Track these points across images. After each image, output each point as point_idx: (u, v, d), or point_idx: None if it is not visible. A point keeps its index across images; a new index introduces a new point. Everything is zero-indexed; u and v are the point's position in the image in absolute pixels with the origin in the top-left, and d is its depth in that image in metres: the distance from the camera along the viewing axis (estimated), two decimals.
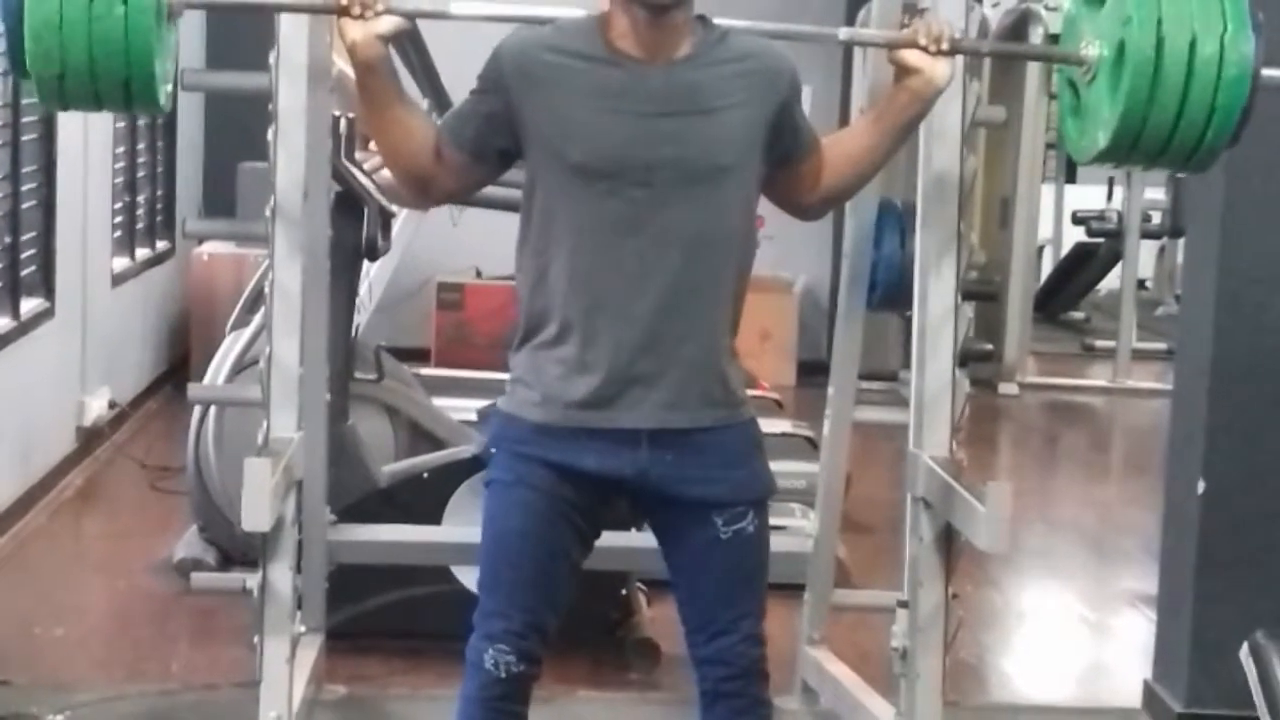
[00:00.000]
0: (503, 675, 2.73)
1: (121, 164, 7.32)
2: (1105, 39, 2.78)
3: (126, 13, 2.55)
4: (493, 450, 2.84)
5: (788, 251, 8.15)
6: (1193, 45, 2.67)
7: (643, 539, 3.35)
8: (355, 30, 2.71)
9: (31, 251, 5.88)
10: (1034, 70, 8.98)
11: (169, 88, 2.71)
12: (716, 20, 2.80)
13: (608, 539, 2.95)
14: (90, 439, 6.45)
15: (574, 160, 2.72)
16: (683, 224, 2.72)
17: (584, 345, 2.73)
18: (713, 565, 2.82)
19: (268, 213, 3.29)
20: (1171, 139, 2.73)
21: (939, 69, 2.81)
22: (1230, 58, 2.67)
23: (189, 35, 8.15)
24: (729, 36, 2.80)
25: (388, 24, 2.72)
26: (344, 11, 2.72)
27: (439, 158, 2.79)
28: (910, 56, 2.81)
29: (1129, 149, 2.77)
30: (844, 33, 3.23)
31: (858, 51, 7.58)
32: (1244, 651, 3.29)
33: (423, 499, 4.51)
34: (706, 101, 2.74)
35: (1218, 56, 2.67)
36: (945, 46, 2.80)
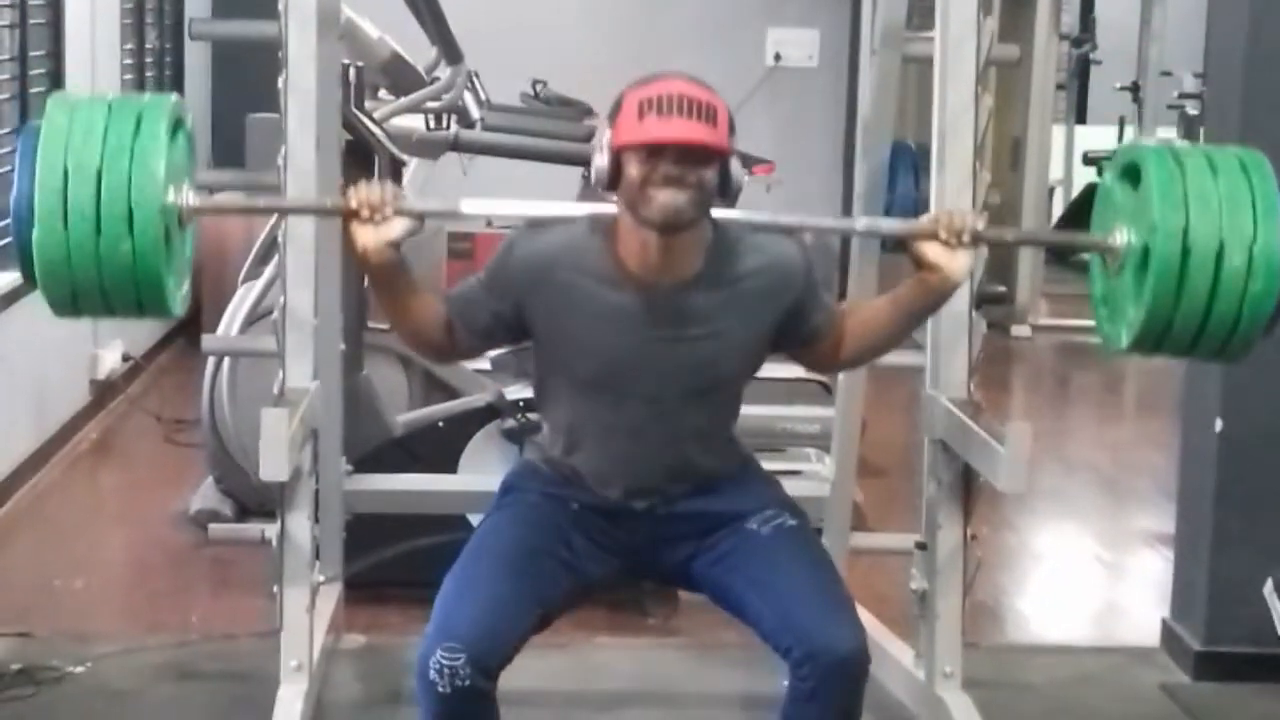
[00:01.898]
0: (448, 689, 2.56)
1: None
2: (1135, 230, 2.70)
3: (134, 241, 2.50)
4: (499, 499, 2.90)
5: (798, 196, 8.10)
6: (1219, 257, 2.60)
7: None
8: (366, 237, 2.65)
9: None
10: (1044, 10, 8.91)
11: (181, 294, 2.66)
12: (726, 214, 2.75)
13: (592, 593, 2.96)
14: (104, 392, 6.46)
15: (580, 375, 2.76)
16: (685, 423, 2.80)
17: (590, 483, 2.84)
18: (772, 562, 2.75)
19: (279, 163, 3.28)
20: (1196, 344, 2.68)
21: (957, 265, 2.71)
22: (1258, 270, 2.60)
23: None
24: (740, 248, 2.75)
25: (399, 229, 2.66)
26: (353, 216, 2.65)
27: (450, 333, 2.81)
28: (929, 252, 2.70)
29: (1152, 349, 2.72)
30: (862, 223, 3.22)
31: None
32: (1268, 588, 3.30)
33: (438, 448, 4.52)
34: (714, 324, 2.74)
35: (1245, 269, 2.60)
36: (966, 240, 2.70)
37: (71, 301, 2.58)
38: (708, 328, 2.74)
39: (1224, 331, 2.65)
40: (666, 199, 2.61)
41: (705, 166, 2.62)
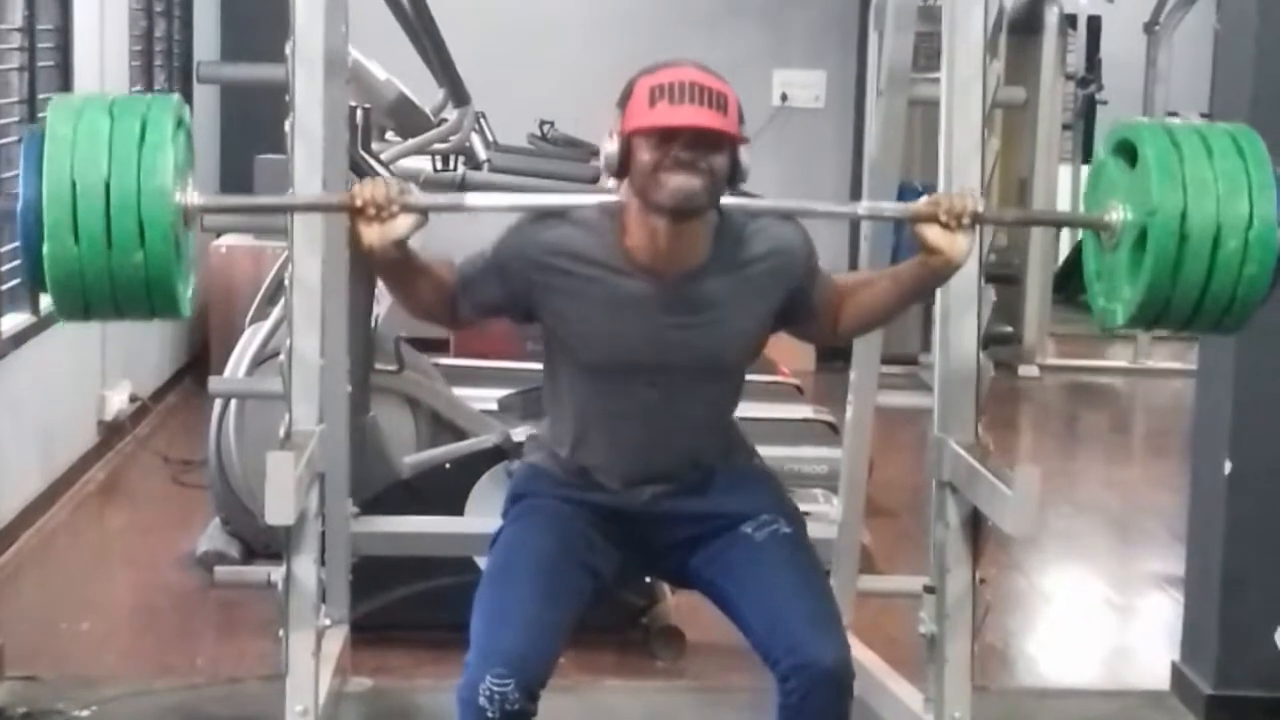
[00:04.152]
0: (498, 714, 2.58)
1: None
2: (1130, 208, 2.72)
3: (145, 248, 2.51)
4: (509, 508, 2.90)
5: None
6: (1216, 241, 2.63)
7: None
8: (372, 234, 2.65)
9: None
10: (1050, 51, 8.94)
11: (190, 294, 2.67)
12: (732, 202, 2.77)
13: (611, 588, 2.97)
14: (112, 433, 6.45)
15: (585, 361, 2.78)
16: (687, 407, 2.81)
17: (593, 475, 2.85)
18: (764, 571, 2.76)
19: None
20: (1191, 322, 2.72)
21: (959, 247, 2.72)
22: (1254, 253, 2.63)
23: (204, 28, 8.15)
24: (745, 233, 2.77)
25: (404, 226, 2.66)
26: (359, 213, 2.65)
27: (456, 311, 2.83)
28: (930, 234, 2.71)
29: (1149, 326, 2.77)
30: (863, 208, 3.24)
31: (873, 35, 7.56)
32: (1279, 633, 3.28)
33: (445, 490, 4.51)
34: (719, 311, 2.76)
35: (1241, 252, 2.63)
36: (966, 222, 2.71)
37: (84, 310, 2.59)
38: (715, 314, 2.75)
39: (1219, 311, 2.69)
40: (679, 183, 2.63)
41: (716, 152, 2.65)
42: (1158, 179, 2.64)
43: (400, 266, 2.75)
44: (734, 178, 2.71)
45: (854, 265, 6.18)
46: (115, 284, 2.53)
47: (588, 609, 2.81)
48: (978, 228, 2.79)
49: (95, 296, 2.55)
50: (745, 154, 2.70)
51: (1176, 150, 2.66)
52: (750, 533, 2.80)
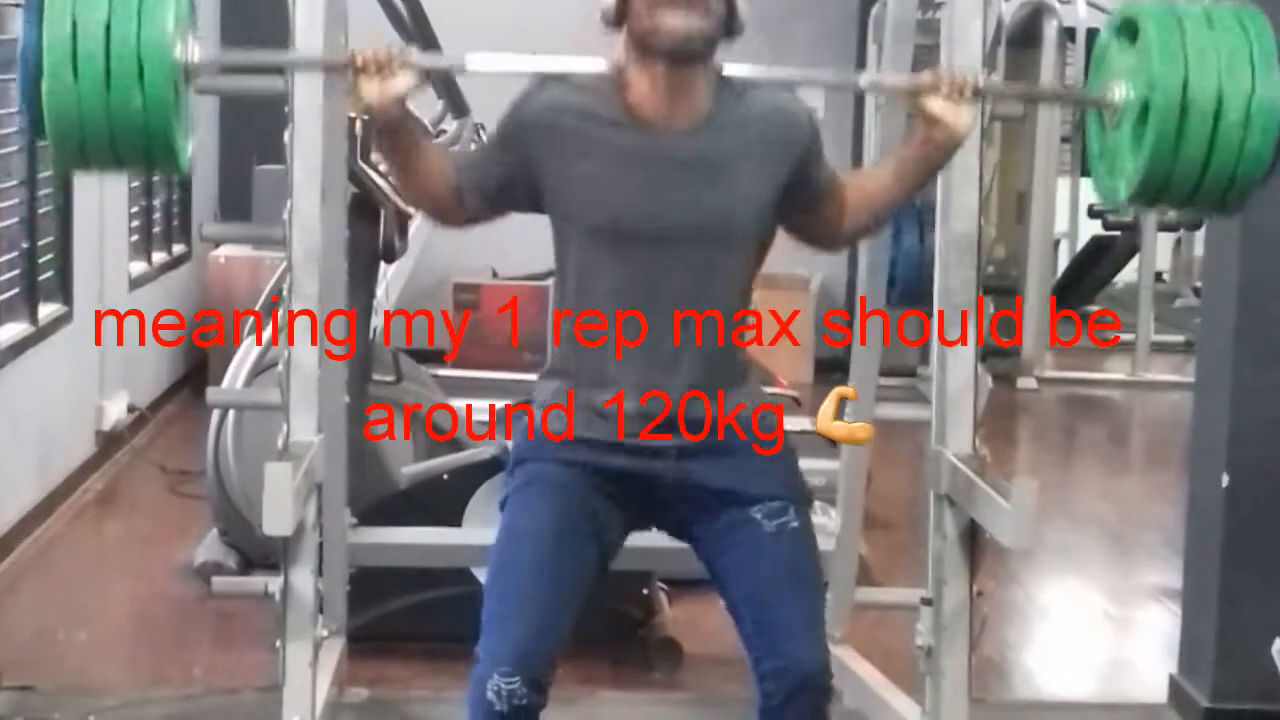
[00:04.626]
0: (506, 709, 2.60)
1: None
2: (1133, 86, 2.73)
3: (144, 91, 2.53)
4: (513, 465, 2.84)
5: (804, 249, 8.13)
6: (1218, 112, 2.63)
7: (665, 538, 3.34)
8: (372, 90, 2.68)
9: (49, 257, 5.89)
10: (1049, 65, 8.95)
11: (189, 151, 2.69)
12: (734, 70, 2.76)
13: (629, 538, 2.93)
14: (109, 443, 6.46)
15: (590, 223, 2.74)
16: (694, 278, 2.74)
17: (603, 388, 2.76)
18: (763, 565, 2.75)
19: (285, 216, 3.29)
20: (1194, 196, 2.71)
21: (961, 119, 2.74)
22: (1256, 124, 2.64)
23: (202, 41, 8.15)
24: (748, 94, 2.77)
25: (405, 83, 2.69)
26: (360, 71, 2.68)
27: (460, 199, 2.80)
28: (933, 105, 2.74)
29: (1151, 202, 2.76)
30: (865, 79, 3.23)
31: (871, 47, 7.56)
32: (1276, 647, 3.28)
33: (443, 501, 4.51)
34: (722, 166, 2.73)
35: (1243, 123, 2.63)
36: (968, 94, 2.74)
37: (80, 154, 2.60)
38: (720, 171, 2.73)
39: (1221, 186, 2.67)
40: (676, 21, 2.63)
41: None
42: (1159, 52, 2.65)
43: (400, 132, 2.75)
44: (731, 28, 2.71)
45: (853, 261, 6.20)
46: (113, 127, 2.54)
47: (598, 577, 2.79)
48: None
49: (93, 139, 2.55)
50: (743, 2, 2.70)
51: (1178, 25, 2.67)
52: (760, 520, 2.76)
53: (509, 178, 2.78)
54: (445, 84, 5.46)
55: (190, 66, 2.66)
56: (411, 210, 4.99)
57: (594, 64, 2.81)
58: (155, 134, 2.57)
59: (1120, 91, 2.75)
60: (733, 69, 2.77)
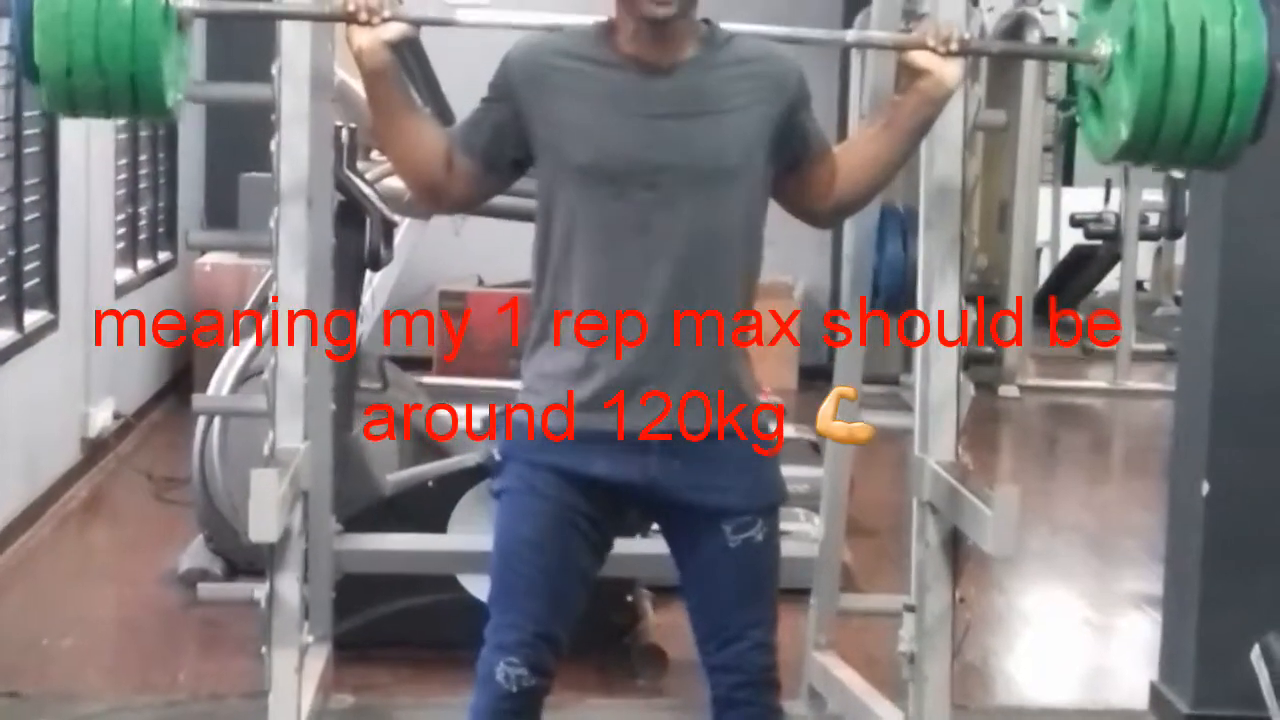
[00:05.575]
0: (514, 689, 2.71)
1: (124, 176, 7.33)
2: (1116, 35, 2.79)
3: (134, 7, 2.61)
4: (502, 460, 2.84)
5: (787, 255, 8.09)
6: (1203, 29, 2.68)
7: (649, 545, 3.36)
8: (363, 37, 2.75)
9: (35, 264, 5.89)
10: (1031, 74, 8.98)
11: (177, 94, 2.75)
12: (721, 25, 2.81)
13: (614, 545, 2.95)
14: (95, 450, 6.46)
15: (580, 162, 2.74)
16: (689, 225, 2.73)
17: (590, 348, 2.74)
18: (722, 574, 2.82)
19: (271, 223, 3.30)
20: (1193, 128, 2.73)
21: (949, 70, 2.81)
22: (1242, 40, 2.68)
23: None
24: (734, 40, 2.81)
25: (394, 30, 2.76)
26: (351, 18, 2.75)
27: (450, 166, 2.81)
28: (920, 58, 2.80)
29: (1151, 139, 2.76)
30: (852, 35, 3.25)
31: (855, 57, 7.59)
32: (1255, 654, 3.29)
33: (428, 508, 4.52)
34: (712, 104, 2.75)
35: (1229, 39, 2.68)
36: (955, 47, 2.80)
37: (69, 97, 2.68)
38: (710, 108, 2.75)
39: (1219, 116, 2.69)
40: (653, 7, 2.68)
41: None
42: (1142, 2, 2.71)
43: (389, 84, 2.78)
44: None
45: (836, 269, 6.20)
46: (103, 65, 2.62)
47: (597, 568, 2.85)
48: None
49: (81, 77, 2.63)
50: None
51: None
52: (727, 534, 2.80)
53: (499, 125, 2.79)
54: (431, 90, 5.46)
55: (182, 11, 2.73)
56: (396, 218, 5.01)
57: (585, 16, 2.83)
58: (143, 75, 2.64)
59: (1105, 45, 2.81)
60: (717, 26, 2.80)
